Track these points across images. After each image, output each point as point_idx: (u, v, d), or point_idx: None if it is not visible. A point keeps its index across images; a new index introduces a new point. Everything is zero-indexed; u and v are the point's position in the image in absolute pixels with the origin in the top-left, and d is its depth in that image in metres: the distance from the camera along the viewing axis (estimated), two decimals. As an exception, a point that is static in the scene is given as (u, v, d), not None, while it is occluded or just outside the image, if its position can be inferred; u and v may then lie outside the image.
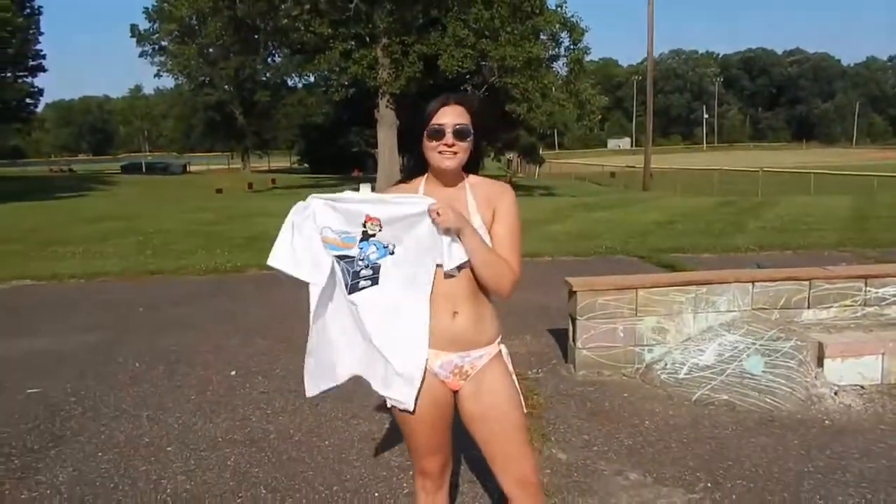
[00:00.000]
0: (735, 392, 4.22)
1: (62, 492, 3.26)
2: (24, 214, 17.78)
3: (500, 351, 2.21)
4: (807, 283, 4.86)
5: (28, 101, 46.38)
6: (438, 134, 2.06)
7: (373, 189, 2.15)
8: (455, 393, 2.18)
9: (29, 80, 45.17)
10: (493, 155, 45.81)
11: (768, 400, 4.14)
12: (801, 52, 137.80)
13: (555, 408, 4.19)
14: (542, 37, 27.15)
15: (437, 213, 1.98)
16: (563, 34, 28.40)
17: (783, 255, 9.33)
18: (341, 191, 2.16)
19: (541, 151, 48.08)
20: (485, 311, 2.15)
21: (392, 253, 2.05)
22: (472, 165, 2.19)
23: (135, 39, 50.15)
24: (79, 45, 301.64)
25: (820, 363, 4.40)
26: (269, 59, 48.33)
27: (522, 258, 2.13)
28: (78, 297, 7.70)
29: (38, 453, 3.68)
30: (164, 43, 49.31)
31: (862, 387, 4.36)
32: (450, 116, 2.06)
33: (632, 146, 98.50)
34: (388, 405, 2.16)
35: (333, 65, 25.98)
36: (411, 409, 2.09)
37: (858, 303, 4.92)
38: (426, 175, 2.18)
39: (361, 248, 2.05)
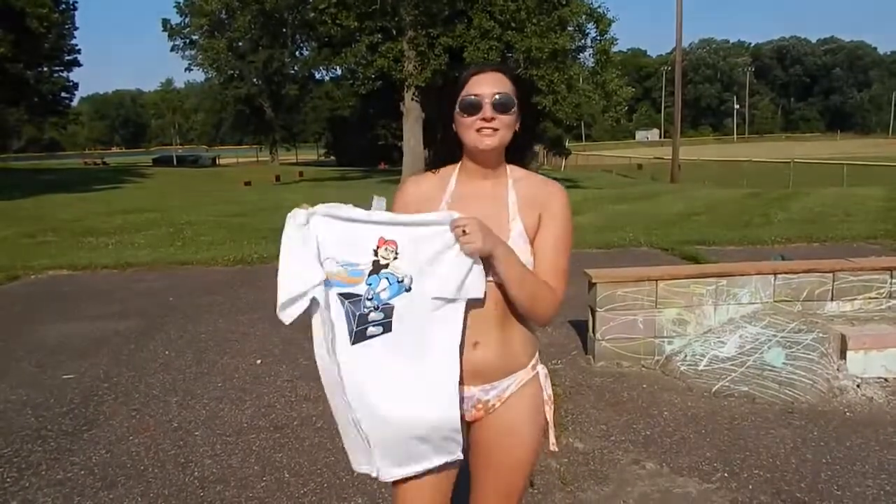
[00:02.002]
0: (755, 384, 4.22)
1: (95, 473, 3.39)
2: (61, 205, 18.20)
3: (535, 375, 1.82)
4: (830, 274, 4.83)
5: (64, 94, 47.38)
6: (474, 107, 1.65)
7: (387, 206, 1.68)
8: (471, 424, 1.82)
9: (64, 74, 46.16)
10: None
11: (788, 392, 4.14)
12: (836, 40, 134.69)
13: (573, 398, 4.24)
14: (568, 28, 26.95)
15: (464, 232, 1.55)
16: (590, 25, 28.20)
17: (810, 247, 9.21)
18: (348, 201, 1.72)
19: (567, 143, 47.79)
20: (514, 337, 1.75)
21: (409, 290, 1.59)
22: (517, 154, 1.79)
23: (166, 33, 50.79)
24: (112, 40, 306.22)
25: (843, 355, 4.39)
26: (297, 53, 48.72)
27: (567, 274, 1.76)
28: (111, 286, 7.90)
29: (72, 436, 3.82)
30: (194, 37, 49.88)
31: (885, 379, 4.33)
32: (488, 85, 1.66)
33: (660, 138, 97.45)
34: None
35: (360, 58, 26.15)
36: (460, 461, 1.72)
37: (883, 295, 4.89)
38: (459, 164, 1.79)
39: (370, 284, 1.59)
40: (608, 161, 46.28)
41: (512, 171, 1.78)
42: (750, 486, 3.13)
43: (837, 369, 4.33)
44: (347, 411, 1.62)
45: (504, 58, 26.86)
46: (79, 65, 45.82)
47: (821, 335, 4.41)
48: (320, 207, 1.61)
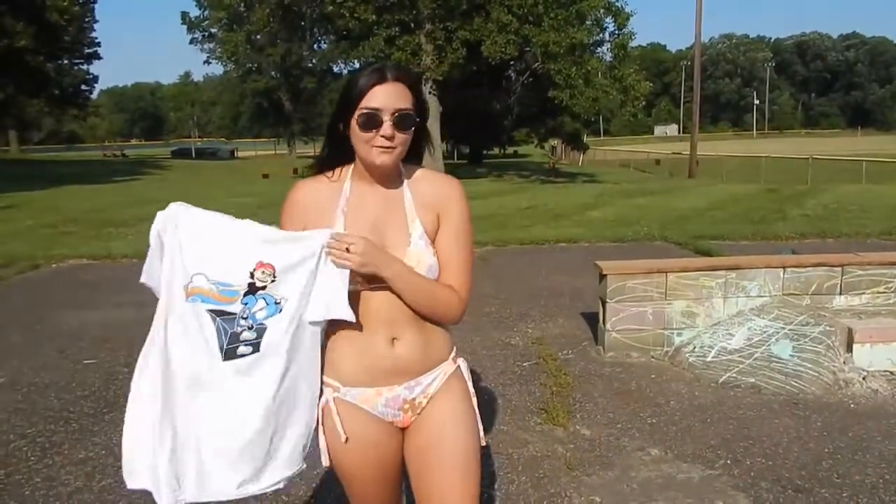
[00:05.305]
0: (762, 375, 4.27)
1: (116, 452, 3.48)
2: (82, 197, 18.48)
3: (457, 367, 1.79)
4: (839, 269, 4.86)
5: (84, 87, 47.91)
6: (373, 122, 1.56)
7: (279, 212, 1.71)
8: (403, 432, 1.77)
9: (84, 66, 46.68)
10: (536, 142, 45.60)
11: (794, 383, 4.19)
12: (858, 35, 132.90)
13: (582, 387, 4.31)
14: (586, 22, 26.85)
15: (347, 249, 1.55)
16: (608, 19, 28.08)
17: (824, 242, 9.20)
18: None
19: (586, 138, 47.59)
20: (430, 331, 1.72)
21: (281, 310, 1.58)
22: (412, 155, 1.71)
23: (185, 26, 51.18)
24: (132, 33, 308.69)
25: (849, 348, 4.43)
26: (315, 46, 48.92)
27: (472, 269, 1.74)
28: (130, 275, 8.00)
29: (93, 417, 3.97)
30: (213, 30, 50.24)
31: (891, 372, 4.37)
32: (389, 98, 1.57)
33: (679, 133, 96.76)
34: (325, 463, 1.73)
35: (377, 51, 26.17)
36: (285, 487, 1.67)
37: (892, 289, 4.90)
38: (352, 166, 1.71)
39: (246, 304, 1.56)
40: (626, 156, 46.02)
41: (407, 170, 1.73)
42: (752, 473, 3.20)
43: (844, 362, 4.37)
44: (174, 425, 1.59)
45: (522, 52, 26.85)
46: (99, 57, 46.34)
47: (828, 328, 4.45)
48: (190, 208, 1.59)
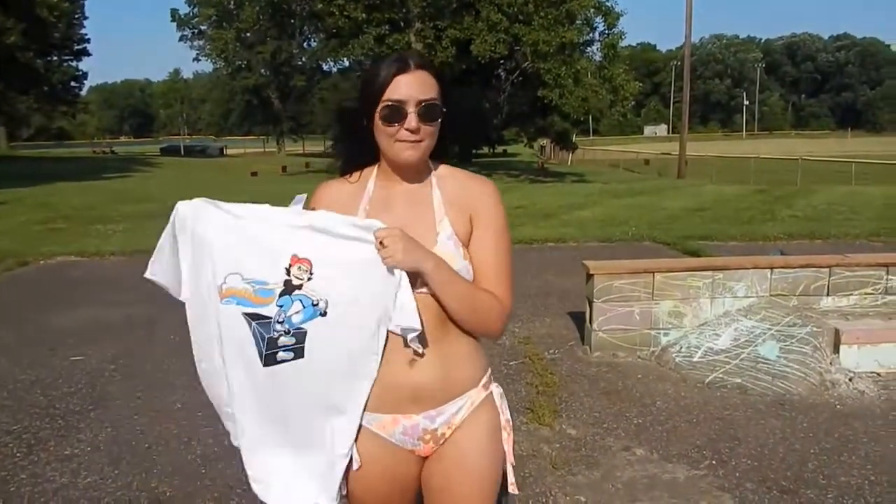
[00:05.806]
0: (748, 376, 4.29)
1: (101, 449, 3.50)
2: (71, 193, 18.35)
3: (489, 394, 1.61)
4: (826, 270, 4.89)
5: (73, 84, 47.70)
6: (397, 114, 1.44)
7: (307, 204, 1.53)
8: (424, 461, 1.61)
9: (73, 63, 46.48)
10: (526, 141, 45.64)
11: (781, 384, 4.21)
12: (849, 36, 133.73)
13: (568, 387, 4.32)
14: (576, 21, 26.95)
15: (381, 244, 1.40)
16: (598, 19, 28.21)
17: (812, 243, 9.25)
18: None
19: (575, 138, 47.65)
20: (457, 352, 1.55)
21: (324, 314, 1.43)
22: (439, 150, 1.56)
23: (175, 24, 50.99)
24: (121, 30, 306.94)
25: (836, 350, 4.45)
26: (305, 44, 48.89)
27: (512, 276, 1.60)
28: (119, 273, 8.00)
29: (79, 415, 3.94)
30: (203, 27, 50.11)
31: (878, 374, 4.40)
32: (412, 88, 1.44)
33: (668, 133, 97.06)
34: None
35: (367, 49, 26.19)
36: None
37: (879, 291, 4.94)
38: (377, 165, 1.59)
39: (281, 307, 1.43)
40: (615, 156, 46.17)
41: (435, 167, 1.60)
42: (737, 474, 3.21)
43: (830, 363, 4.39)
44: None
45: (511, 51, 26.89)
46: (88, 54, 46.11)
47: (815, 329, 4.48)
48: (216, 203, 1.49)
